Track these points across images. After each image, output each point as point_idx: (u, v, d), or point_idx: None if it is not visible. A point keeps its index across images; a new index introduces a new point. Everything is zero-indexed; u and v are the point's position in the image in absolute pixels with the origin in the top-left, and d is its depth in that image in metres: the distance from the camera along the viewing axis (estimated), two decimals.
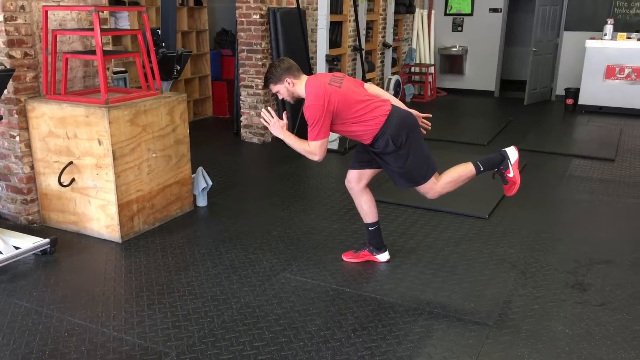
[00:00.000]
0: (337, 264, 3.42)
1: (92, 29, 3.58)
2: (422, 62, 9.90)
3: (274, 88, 3.12)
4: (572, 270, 3.37)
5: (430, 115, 3.32)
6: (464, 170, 3.22)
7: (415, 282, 3.21)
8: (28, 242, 3.43)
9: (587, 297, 3.05)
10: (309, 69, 6.32)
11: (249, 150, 6.25)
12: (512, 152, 3.23)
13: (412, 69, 9.78)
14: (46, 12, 3.64)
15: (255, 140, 6.44)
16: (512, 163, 3.22)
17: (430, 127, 3.30)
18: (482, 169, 3.23)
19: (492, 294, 3.08)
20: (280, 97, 3.19)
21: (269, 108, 3.12)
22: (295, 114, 5.95)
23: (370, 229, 3.41)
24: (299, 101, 3.18)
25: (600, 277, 3.28)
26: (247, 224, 4.06)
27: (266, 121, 3.10)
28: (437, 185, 3.18)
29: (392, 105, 3.11)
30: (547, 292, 3.10)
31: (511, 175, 3.22)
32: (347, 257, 3.49)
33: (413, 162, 3.09)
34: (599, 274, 3.32)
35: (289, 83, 3.06)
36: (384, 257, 3.45)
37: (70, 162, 3.67)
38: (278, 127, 3.08)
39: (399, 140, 3.02)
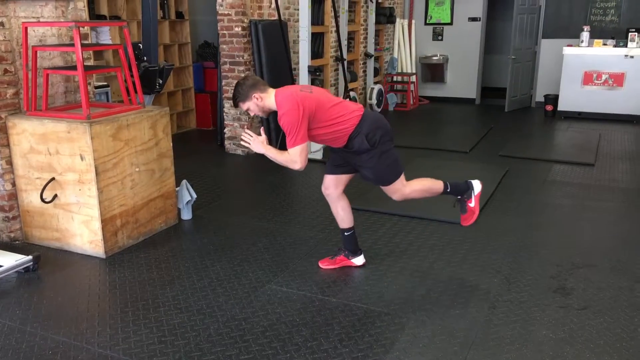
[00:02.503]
0: (322, 274, 3.43)
1: (73, 45, 3.56)
2: (404, 71, 9.99)
3: (244, 106, 3.16)
4: (554, 274, 3.41)
5: None
6: (434, 184, 3.37)
7: (401, 290, 3.23)
8: (10, 260, 3.39)
9: (570, 301, 3.09)
10: (291, 80, 6.35)
11: (233, 162, 6.25)
12: (477, 185, 3.44)
13: (394, 78, 9.86)
14: (26, 28, 3.62)
15: (239, 151, 6.44)
16: (475, 194, 3.42)
17: None
18: (448, 190, 3.38)
19: (476, 300, 3.11)
20: (251, 114, 3.24)
21: (247, 130, 3.17)
22: (278, 128, 5.96)
23: (346, 234, 3.46)
24: (271, 114, 3.23)
25: (582, 281, 3.33)
26: (232, 236, 4.05)
27: (247, 142, 3.14)
28: (405, 188, 3.28)
29: (365, 108, 3.22)
30: (531, 297, 3.14)
31: (472, 205, 3.43)
32: (324, 264, 3.52)
33: (385, 161, 3.17)
34: (581, 277, 3.37)
35: (257, 98, 3.10)
36: (359, 260, 3.50)
37: (53, 178, 3.65)
38: (258, 143, 3.12)
39: (374, 139, 3.09)
